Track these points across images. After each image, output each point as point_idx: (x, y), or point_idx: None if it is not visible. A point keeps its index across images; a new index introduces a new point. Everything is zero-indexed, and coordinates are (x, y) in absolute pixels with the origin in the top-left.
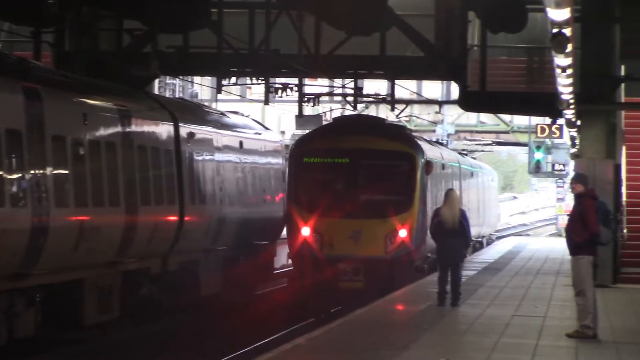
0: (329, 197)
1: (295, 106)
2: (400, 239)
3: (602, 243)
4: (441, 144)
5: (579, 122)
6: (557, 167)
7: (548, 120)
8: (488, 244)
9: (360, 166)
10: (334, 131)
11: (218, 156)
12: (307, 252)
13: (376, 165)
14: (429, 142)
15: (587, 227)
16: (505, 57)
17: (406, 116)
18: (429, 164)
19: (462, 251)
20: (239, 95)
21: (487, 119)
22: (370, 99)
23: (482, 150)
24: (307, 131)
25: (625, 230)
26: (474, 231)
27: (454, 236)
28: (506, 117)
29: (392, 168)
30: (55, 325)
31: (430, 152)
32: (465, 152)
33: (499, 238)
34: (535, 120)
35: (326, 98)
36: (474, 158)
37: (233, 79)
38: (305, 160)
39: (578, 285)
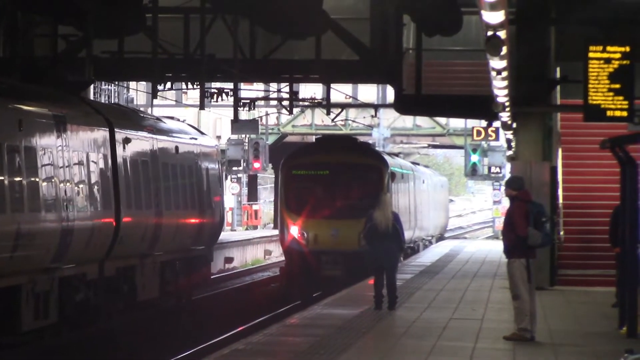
0: (313, 202)
1: (231, 111)
2: None
3: (533, 246)
4: (397, 155)
5: (514, 125)
6: (493, 169)
7: (484, 123)
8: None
9: (338, 177)
10: (317, 149)
11: (154, 161)
12: (296, 247)
13: (351, 176)
14: (390, 155)
15: (514, 230)
16: (441, 60)
17: (342, 120)
18: (393, 174)
19: (396, 254)
20: (175, 100)
21: (423, 122)
22: (306, 103)
23: (419, 154)
24: (241, 136)
25: (562, 232)
26: (427, 230)
27: (387, 240)
28: (442, 120)
29: (364, 178)
30: None
31: (393, 164)
32: (396, 154)
33: (439, 240)
34: (471, 123)
35: (262, 102)
36: (417, 163)
37: (168, 84)
38: (294, 172)
39: (512, 288)
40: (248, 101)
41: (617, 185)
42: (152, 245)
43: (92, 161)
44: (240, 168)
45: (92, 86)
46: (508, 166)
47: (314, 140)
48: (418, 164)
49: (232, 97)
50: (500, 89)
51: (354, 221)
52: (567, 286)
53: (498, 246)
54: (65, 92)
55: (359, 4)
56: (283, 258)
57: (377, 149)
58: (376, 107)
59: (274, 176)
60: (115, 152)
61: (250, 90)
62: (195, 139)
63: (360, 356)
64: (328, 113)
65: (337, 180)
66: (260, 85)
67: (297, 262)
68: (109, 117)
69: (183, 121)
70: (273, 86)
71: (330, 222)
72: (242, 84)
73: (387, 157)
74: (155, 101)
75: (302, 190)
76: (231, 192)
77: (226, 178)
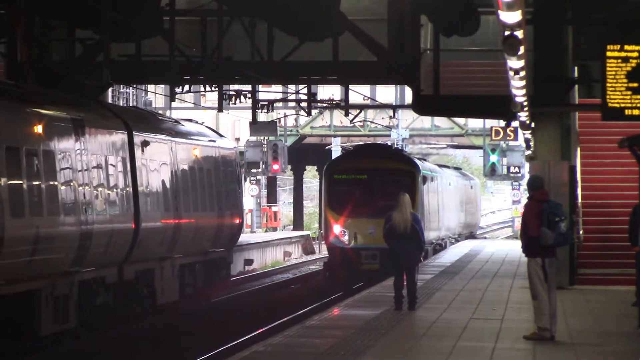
0: (353, 203)
1: (249, 113)
2: None
3: (545, 245)
4: (425, 160)
5: (533, 125)
6: (512, 169)
7: (502, 122)
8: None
9: (375, 181)
10: (356, 155)
11: (173, 164)
12: (338, 243)
13: (387, 180)
14: (421, 159)
15: (526, 230)
16: (458, 61)
17: (360, 121)
18: (424, 178)
19: (415, 255)
20: (193, 103)
21: (442, 122)
22: (324, 105)
23: (437, 154)
24: (258, 138)
25: (581, 232)
26: (455, 229)
27: (406, 240)
28: (460, 121)
29: (398, 181)
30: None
31: (424, 168)
32: (425, 159)
33: (468, 238)
34: (490, 123)
35: (280, 104)
36: (446, 166)
37: (186, 87)
38: (335, 177)
39: (531, 287)
40: (266, 103)
41: (636, 184)
42: (171, 248)
43: (111, 164)
44: (259, 170)
45: (110, 90)
46: (527, 166)
47: (352, 148)
48: (447, 167)
49: (250, 99)
50: (518, 88)
51: None
52: (586, 285)
53: (517, 246)
54: (83, 96)
55: (376, 5)
56: (303, 259)
57: (408, 154)
58: (394, 107)
59: (292, 178)
60: (134, 155)
61: (269, 92)
62: (214, 141)
63: (381, 357)
64: (346, 114)
65: (374, 184)
66: (278, 87)
67: (338, 257)
68: (127, 120)
69: (201, 124)
70: (291, 88)
71: (369, 221)
72: (260, 85)
73: (418, 162)
74: (173, 104)
75: (343, 193)
76: (250, 194)
77: (245, 180)
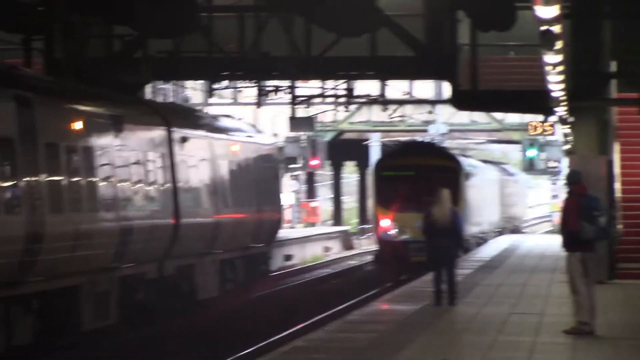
0: (401, 199)
1: (288, 108)
2: None
3: (585, 240)
4: (468, 156)
5: (571, 119)
6: (550, 164)
7: (540, 117)
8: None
9: (421, 177)
10: (403, 153)
11: (212, 160)
12: (387, 237)
13: (432, 176)
14: (464, 156)
15: (567, 224)
16: (496, 56)
17: (398, 116)
18: (467, 174)
19: (454, 250)
20: (231, 99)
21: (480, 117)
22: (363, 100)
23: (475, 149)
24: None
25: (620, 226)
26: (493, 224)
27: (446, 236)
28: (498, 116)
29: (443, 177)
30: (53, 332)
31: (467, 164)
32: (468, 155)
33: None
34: (528, 117)
35: (318, 100)
36: (490, 162)
37: (224, 83)
38: (384, 174)
39: (570, 281)
40: (305, 99)
41: None
42: (211, 244)
43: (150, 160)
44: (298, 165)
45: (148, 86)
46: (565, 160)
47: (398, 145)
48: (492, 162)
49: (289, 95)
50: (555, 83)
51: None
52: (626, 280)
53: (556, 240)
54: (122, 92)
55: (414, 0)
56: (342, 255)
57: (452, 151)
58: (432, 103)
59: (332, 173)
60: (173, 151)
61: (307, 87)
62: (253, 136)
63: (421, 352)
64: (385, 109)
65: (420, 180)
66: (316, 83)
67: (387, 249)
68: (166, 116)
69: (240, 119)
70: (329, 83)
71: (416, 215)
72: (298, 81)
73: (461, 159)
74: (211, 100)
75: (391, 189)
76: (290, 190)
77: (284, 176)
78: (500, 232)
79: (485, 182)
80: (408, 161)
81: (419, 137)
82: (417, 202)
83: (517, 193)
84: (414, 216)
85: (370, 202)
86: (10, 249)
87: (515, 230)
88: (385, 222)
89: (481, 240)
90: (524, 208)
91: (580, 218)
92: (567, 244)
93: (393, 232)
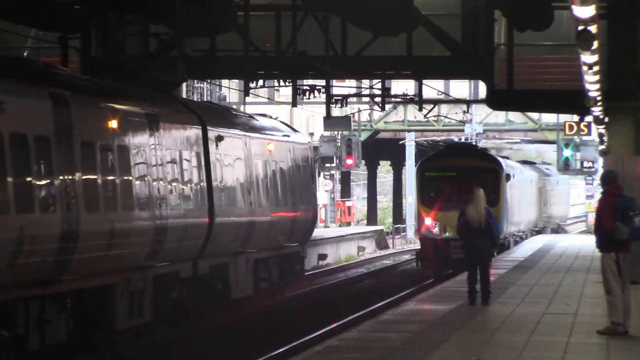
0: (443, 198)
1: (323, 108)
2: None
3: (619, 240)
4: (507, 158)
5: (606, 119)
6: (585, 164)
7: (576, 117)
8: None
9: (463, 177)
10: (445, 154)
11: (247, 159)
12: (429, 235)
13: (473, 176)
14: (504, 157)
15: (602, 224)
16: (532, 55)
17: (434, 116)
18: (507, 175)
19: (489, 250)
20: (267, 98)
21: (516, 117)
22: (398, 100)
23: (511, 149)
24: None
25: None
26: (532, 223)
27: (480, 235)
28: (534, 115)
29: (484, 178)
30: (87, 331)
31: (507, 165)
32: (507, 157)
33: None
34: (564, 117)
35: (354, 99)
36: (533, 163)
37: (260, 82)
38: (427, 174)
39: (605, 282)
40: (340, 98)
41: None
42: (245, 243)
43: (185, 159)
44: (333, 165)
45: (184, 84)
46: (600, 160)
47: (444, 147)
48: (534, 163)
49: (325, 94)
50: (591, 83)
51: None
52: None
53: (591, 240)
54: (158, 91)
55: (450, 0)
56: (376, 254)
57: (492, 153)
58: (468, 102)
59: (366, 173)
60: (208, 150)
61: (342, 87)
62: (288, 136)
63: (455, 351)
64: (420, 109)
65: (462, 180)
66: (352, 82)
67: (430, 247)
68: (201, 115)
69: (275, 118)
70: (365, 83)
71: (457, 214)
72: (334, 80)
73: (502, 160)
74: (247, 99)
75: (434, 189)
76: (324, 189)
77: (319, 175)
78: (539, 231)
79: (524, 183)
80: (450, 162)
81: (455, 137)
82: (459, 202)
83: (558, 193)
84: (455, 215)
85: (410, 201)
86: (46, 248)
87: (558, 229)
88: (428, 221)
89: (519, 239)
90: (566, 207)
91: (616, 218)
92: (602, 244)
93: (435, 230)
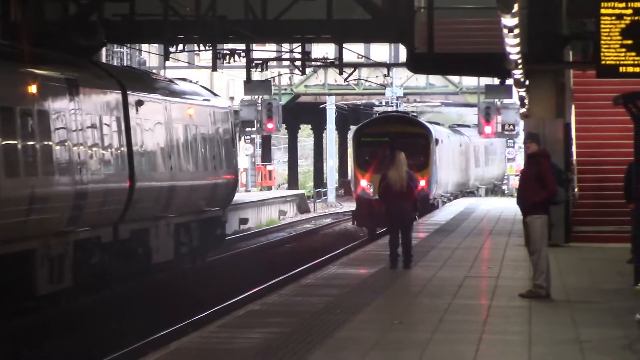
0: (378, 162)
1: (244, 72)
2: (421, 187)
3: (558, 202)
4: (438, 124)
5: (527, 82)
6: (507, 127)
7: (497, 80)
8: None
9: (396, 143)
10: (379, 122)
11: (167, 123)
12: (364, 195)
13: (405, 142)
14: (435, 124)
15: (544, 187)
16: (452, 18)
17: (355, 79)
18: (437, 140)
19: (411, 214)
20: (187, 62)
21: (436, 80)
22: (319, 63)
23: (432, 112)
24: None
25: (576, 189)
26: (475, 181)
27: (402, 199)
28: (455, 79)
29: (416, 143)
30: (7, 297)
31: (436, 131)
32: (438, 123)
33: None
34: (484, 81)
35: (274, 63)
36: (466, 125)
37: (180, 46)
38: (363, 140)
39: (533, 244)
40: (260, 62)
41: (631, 141)
42: (166, 208)
43: (105, 124)
44: (254, 129)
45: (104, 49)
46: (522, 124)
47: (378, 115)
48: (468, 126)
49: (245, 58)
50: (512, 46)
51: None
52: (581, 243)
53: (512, 204)
54: (77, 56)
55: None
56: (298, 218)
57: (422, 120)
58: (389, 66)
59: (287, 137)
60: (129, 114)
61: (263, 51)
62: (208, 100)
63: (376, 315)
64: (341, 73)
65: (395, 145)
66: (272, 46)
67: (365, 207)
68: (121, 79)
69: (196, 83)
70: (285, 47)
71: None
72: (254, 44)
73: (431, 127)
74: (167, 63)
75: (369, 153)
76: (245, 153)
77: (240, 139)
78: (472, 192)
79: (454, 146)
80: (384, 129)
81: (375, 100)
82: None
83: (492, 154)
84: None
85: (331, 165)
86: None
87: (497, 189)
88: (363, 183)
89: (447, 200)
90: (502, 167)
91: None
92: (537, 206)
93: (370, 191)
